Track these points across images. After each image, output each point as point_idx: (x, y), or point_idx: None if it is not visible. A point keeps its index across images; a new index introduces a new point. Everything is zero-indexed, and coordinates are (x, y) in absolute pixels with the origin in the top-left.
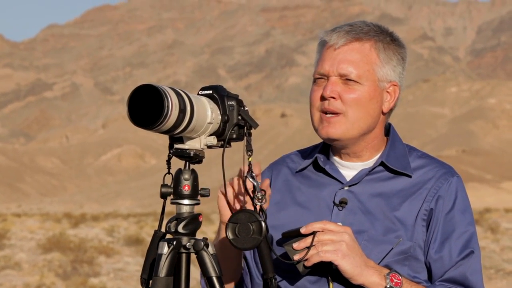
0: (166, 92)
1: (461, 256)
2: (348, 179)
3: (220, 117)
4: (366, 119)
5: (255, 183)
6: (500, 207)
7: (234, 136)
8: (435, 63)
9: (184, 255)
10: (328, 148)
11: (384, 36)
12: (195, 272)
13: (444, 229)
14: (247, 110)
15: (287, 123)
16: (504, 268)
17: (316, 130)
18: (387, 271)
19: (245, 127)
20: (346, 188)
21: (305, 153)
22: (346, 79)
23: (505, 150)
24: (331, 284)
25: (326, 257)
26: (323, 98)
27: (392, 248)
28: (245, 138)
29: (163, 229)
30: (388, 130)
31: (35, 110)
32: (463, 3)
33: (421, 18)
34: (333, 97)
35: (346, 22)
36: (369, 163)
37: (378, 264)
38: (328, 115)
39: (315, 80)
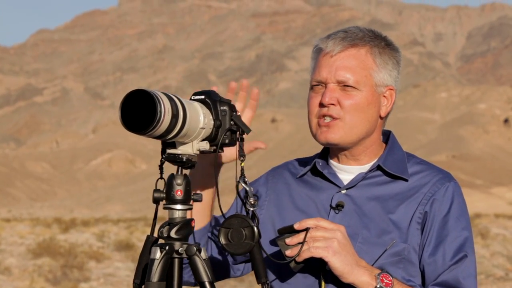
0: (159, 97)
1: (454, 259)
2: (345, 183)
3: (213, 122)
4: (364, 124)
5: (247, 188)
6: (490, 212)
7: (227, 141)
8: (425, 69)
9: (176, 260)
10: (327, 153)
11: (379, 41)
12: None
13: (439, 233)
14: (239, 115)
15: (277, 128)
16: (494, 274)
17: (314, 135)
18: (378, 271)
19: (238, 132)
20: (343, 191)
21: (306, 161)
22: (344, 86)
23: (495, 156)
24: (323, 284)
25: (317, 253)
26: (322, 105)
27: (386, 250)
28: (237, 143)
29: (155, 234)
30: (388, 136)
31: (25, 115)
32: (453, 9)
33: (411, 23)
34: (332, 104)
35: (340, 29)
36: (367, 167)
37: (372, 265)
38: (326, 120)
39: (312, 87)
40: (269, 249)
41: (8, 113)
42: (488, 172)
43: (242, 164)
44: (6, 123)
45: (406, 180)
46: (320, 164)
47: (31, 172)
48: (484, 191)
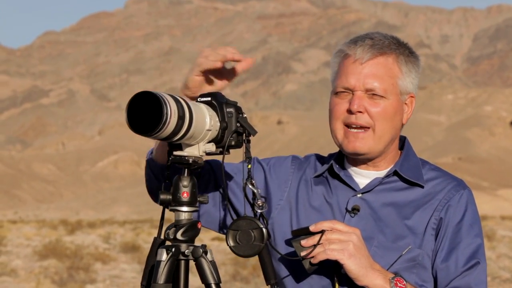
0: (165, 99)
1: (467, 266)
2: (361, 187)
3: (219, 124)
4: (391, 132)
5: (255, 190)
6: (497, 214)
7: (233, 143)
8: (431, 71)
9: (182, 262)
10: (343, 156)
11: (403, 49)
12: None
13: (452, 239)
14: (245, 117)
15: (283, 130)
16: (500, 276)
17: (340, 144)
18: (392, 275)
19: (244, 134)
20: (359, 195)
21: (323, 160)
22: (372, 94)
23: (502, 158)
24: (337, 286)
25: (333, 256)
26: (349, 112)
27: (401, 255)
28: (244, 145)
29: (162, 236)
30: (402, 143)
31: (31, 116)
32: (459, 11)
33: (418, 25)
34: (360, 112)
35: (363, 34)
36: (383, 172)
37: (387, 270)
38: (354, 130)
39: (337, 93)
40: (284, 248)
41: (15, 115)
42: (494, 174)
43: (249, 166)
44: (12, 125)
45: (422, 187)
46: (337, 166)
47: (37, 174)
48: (490, 193)
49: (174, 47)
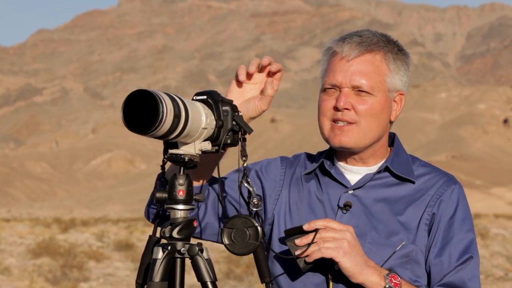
0: (161, 98)
1: (460, 261)
2: (352, 183)
3: (215, 122)
4: (377, 129)
5: (250, 189)
6: (490, 212)
7: (229, 141)
8: (424, 69)
9: (178, 260)
10: (333, 153)
11: (392, 47)
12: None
13: (445, 234)
14: (241, 115)
15: (277, 128)
16: (493, 274)
17: (326, 139)
18: (386, 271)
19: (240, 132)
20: (350, 192)
21: (312, 158)
22: (358, 91)
23: (495, 156)
24: (331, 284)
25: (328, 254)
26: (336, 109)
27: (395, 252)
28: (239, 143)
29: (157, 234)
30: (392, 139)
31: (24, 115)
32: (453, 9)
33: (411, 23)
34: (346, 108)
35: (352, 32)
36: (374, 168)
37: (381, 266)
38: (340, 124)
39: (324, 90)
40: (278, 246)
41: (8, 113)
42: (488, 173)
43: (245, 164)
44: (5, 123)
45: (413, 182)
46: (328, 163)
47: (30, 172)
48: (483, 191)
49: (168, 45)
